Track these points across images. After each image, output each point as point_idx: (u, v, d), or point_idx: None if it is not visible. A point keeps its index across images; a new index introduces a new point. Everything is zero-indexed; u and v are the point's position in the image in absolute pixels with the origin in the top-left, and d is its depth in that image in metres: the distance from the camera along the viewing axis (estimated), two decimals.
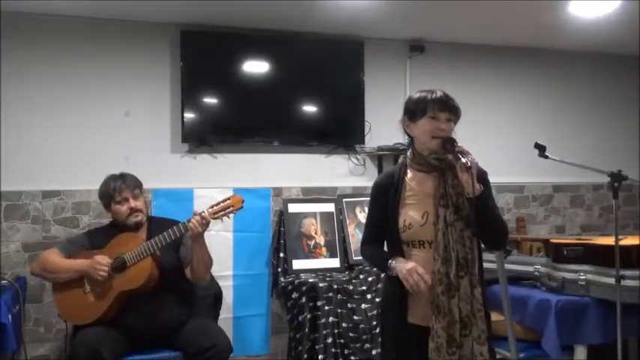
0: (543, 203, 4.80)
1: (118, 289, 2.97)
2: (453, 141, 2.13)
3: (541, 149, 2.84)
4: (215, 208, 2.97)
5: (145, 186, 3.30)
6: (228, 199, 2.99)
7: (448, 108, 2.17)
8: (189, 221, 2.95)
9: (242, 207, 2.98)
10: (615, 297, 2.78)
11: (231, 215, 3.01)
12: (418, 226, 2.18)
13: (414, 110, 2.21)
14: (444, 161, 2.18)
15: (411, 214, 2.20)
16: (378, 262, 2.33)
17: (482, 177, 2.17)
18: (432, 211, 2.17)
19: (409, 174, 2.27)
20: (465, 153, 2.07)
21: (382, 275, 2.82)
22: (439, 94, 2.19)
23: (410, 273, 2.10)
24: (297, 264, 3.89)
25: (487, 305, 2.25)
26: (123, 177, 3.18)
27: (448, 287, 2.11)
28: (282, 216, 4.00)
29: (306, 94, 4.19)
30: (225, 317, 3.79)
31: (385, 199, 2.27)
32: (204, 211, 2.94)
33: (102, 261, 2.96)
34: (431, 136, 2.16)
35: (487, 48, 4.59)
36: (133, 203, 3.13)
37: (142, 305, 2.99)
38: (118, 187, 3.13)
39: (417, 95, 2.23)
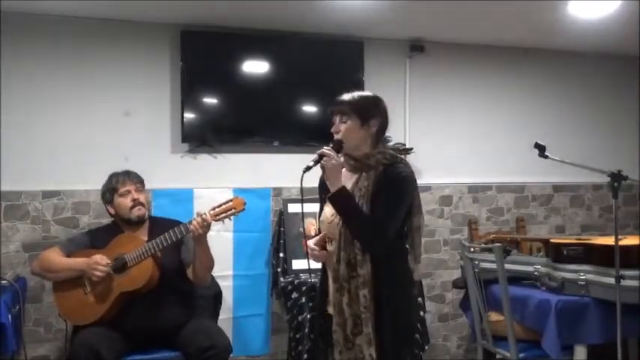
0: (543, 203, 4.79)
1: (118, 289, 2.98)
2: (338, 142, 2.22)
3: (541, 149, 2.85)
4: (217, 210, 2.96)
5: (145, 186, 3.31)
6: (230, 200, 2.99)
7: (337, 109, 2.27)
8: (190, 223, 2.95)
9: (244, 209, 2.98)
10: (615, 297, 2.78)
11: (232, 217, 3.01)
12: (327, 224, 2.29)
13: None
14: (355, 162, 2.27)
15: (326, 211, 2.31)
16: None
17: (391, 179, 2.19)
18: None
19: (342, 171, 2.33)
20: (322, 155, 2.17)
21: None
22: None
23: (304, 245, 2.29)
24: (297, 264, 3.88)
25: (411, 304, 2.35)
26: (127, 172, 3.25)
27: (340, 286, 2.20)
28: (282, 216, 3.99)
29: (306, 94, 4.18)
30: (225, 317, 3.79)
31: (322, 193, 2.39)
32: (205, 213, 2.94)
33: (100, 261, 2.96)
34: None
35: (487, 48, 4.59)
36: (136, 195, 3.16)
37: (142, 306, 2.99)
38: (122, 179, 3.19)
39: None
